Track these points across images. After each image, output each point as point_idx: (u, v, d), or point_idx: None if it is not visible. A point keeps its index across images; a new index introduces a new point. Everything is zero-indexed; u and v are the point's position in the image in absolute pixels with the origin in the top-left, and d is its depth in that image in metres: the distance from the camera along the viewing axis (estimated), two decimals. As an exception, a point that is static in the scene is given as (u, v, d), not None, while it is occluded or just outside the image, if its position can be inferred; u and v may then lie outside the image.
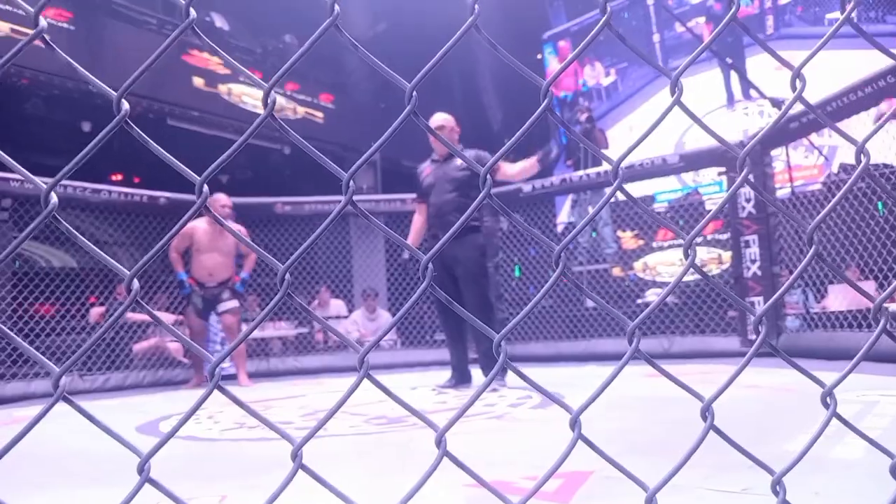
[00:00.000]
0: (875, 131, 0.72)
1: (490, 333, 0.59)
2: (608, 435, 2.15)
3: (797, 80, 0.64)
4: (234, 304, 5.26)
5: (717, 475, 1.38)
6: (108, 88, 0.55)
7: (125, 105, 0.52)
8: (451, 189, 3.89)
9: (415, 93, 0.54)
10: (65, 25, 7.53)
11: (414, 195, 4.30)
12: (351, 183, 0.52)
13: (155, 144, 0.51)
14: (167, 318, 6.27)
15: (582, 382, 4.00)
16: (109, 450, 0.55)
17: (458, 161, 3.91)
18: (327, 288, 7.68)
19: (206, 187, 0.53)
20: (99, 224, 6.43)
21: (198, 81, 8.66)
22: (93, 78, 0.57)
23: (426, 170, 4.11)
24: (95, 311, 6.12)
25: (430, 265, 0.53)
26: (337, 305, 7.80)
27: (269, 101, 0.51)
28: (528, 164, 3.88)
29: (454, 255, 3.83)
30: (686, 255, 0.59)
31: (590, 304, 6.27)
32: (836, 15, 7.78)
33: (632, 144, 0.58)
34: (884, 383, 2.75)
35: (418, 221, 4.15)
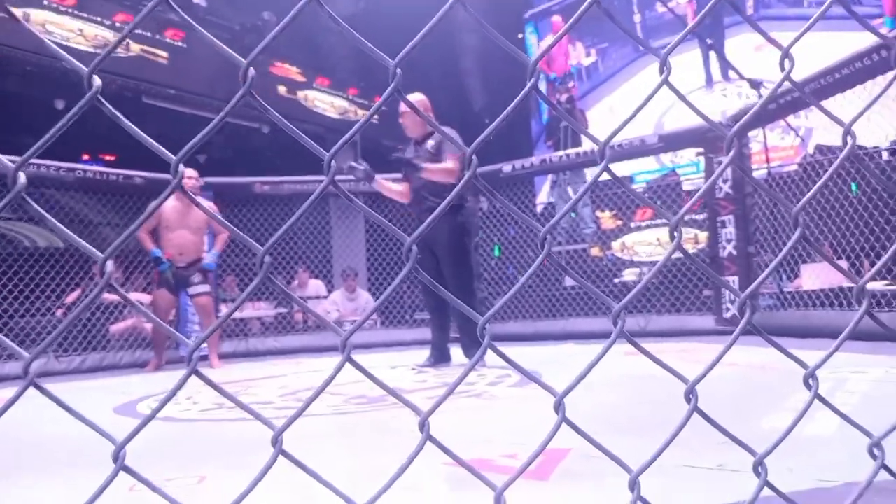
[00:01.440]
0: (860, 114, 0.72)
1: (474, 316, 0.58)
2: (589, 414, 2.17)
3: (786, 61, 0.63)
4: (205, 288, 5.18)
5: (692, 452, 1.41)
6: (79, 64, 0.52)
7: (97, 81, 0.50)
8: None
9: (398, 70, 0.53)
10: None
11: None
12: (332, 163, 0.51)
13: (128, 122, 0.49)
14: (144, 299, 6.18)
15: (560, 361, 4.04)
16: (90, 433, 0.54)
17: (430, 143, 3.95)
18: (305, 269, 7.64)
19: (181, 167, 0.51)
20: (93, 204, 6.33)
21: (134, 48, 8.42)
22: (64, 53, 0.55)
23: (406, 152, 4.18)
24: (72, 295, 6.02)
25: (414, 247, 0.52)
26: (316, 286, 7.76)
27: (247, 78, 0.49)
28: (443, 168, 3.91)
29: (435, 235, 3.86)
30: (672, 237, 0.59)
31: (568, 283, 6.32)
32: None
33: (618, 125, 0.57)
34: (854, 360, 2.82)
35: (405, 195, 4.19)
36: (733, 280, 5.07)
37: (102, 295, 5.45)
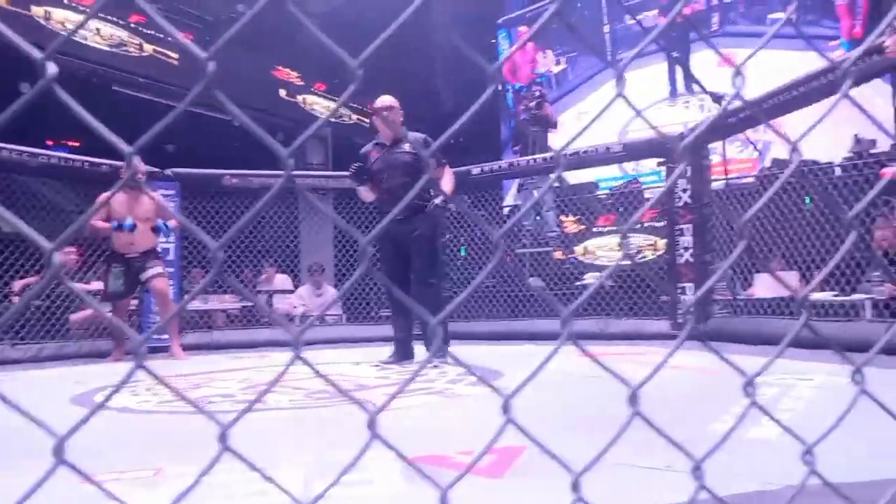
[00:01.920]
0: (806, 133, 0.75)
1: (427, 317, 0.59)
2: (543, 412, 2.21)
3: (737, 77, 0.66)
4: (159, 268, 5.06)
5: (643, 452, 1.44)
6: (34, 51, 0.51)
7: (51, 68, 0.49)
8: (402, 173, 3.93)
9: (360, 70, 0.53)
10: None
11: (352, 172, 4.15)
12: (290, 160, 0.51)
13: (82, 109, 0.48)
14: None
15: (520, 361, 4.08)
16: (49, 424, 0.53)
17: (406, 145, 3.94)
18: (272, 263, 7.56)
19: (136, 158, 0.50)
20: (64, 191, 6.17)
21: (147, 48, 8.33)
22: (19, 39, 0.54)
23: (373, 153, 4.09)
24: (20, 283, 5.83)
25: (369, 247, 0.53)
26: (282, 280, 7.69)
27: (207, 71, 0.49)
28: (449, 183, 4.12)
29: (406, 233, 3.88)
30: (621, 246, 0.61)
31: (532, 284, 6.39)
32: (779, 15, 8.06)
33: (573, 135, 0.59)
34: (802, 368, 2.91)
35: (373, 196, 4.13)
36: (689, 286, 5.19)
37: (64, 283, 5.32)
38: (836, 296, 4.31)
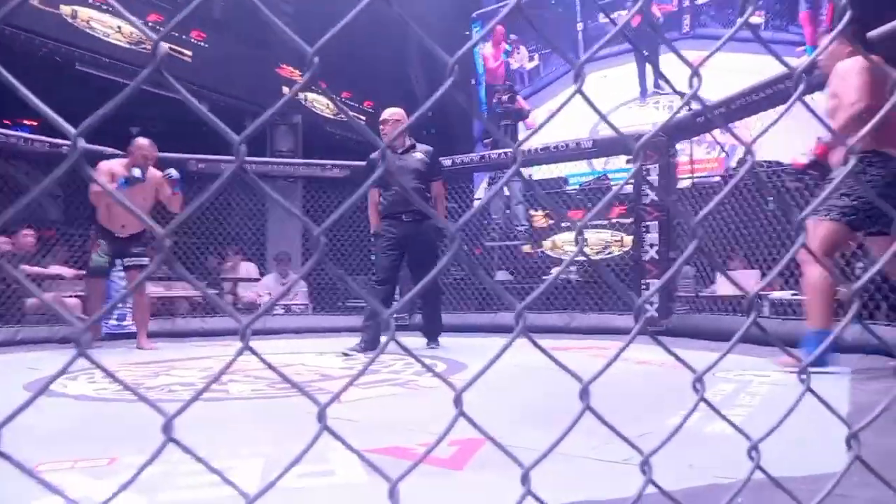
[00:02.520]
0: (761, 134, 0.77)
1: (380, 309, 0.59)
2: (504, 404, 2.23)
3: (694, 79, 0.67)
4: (142, 260, 4.86)
5: (604, 445, 1.46)
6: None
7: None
8: (413, 178, 4.35)
9: (316, 59, 0.52)
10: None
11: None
12: (242, 147, 0.50)
13: (25, 90, 0.47)
14: (65, 272, 5.89)
15: (485, 353, 4.11)
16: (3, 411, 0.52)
17: (418, 154, 4.43)
18: (237, 250, 7.45)
19: (81, 141, 0.49)
20: (29, 171, 6.00)
21: (134, 19, 8.27)
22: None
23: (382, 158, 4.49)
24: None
25: (323, 237, 0.52)
26: (247, 268, 7.59)
27: (156, 52, 0.48)
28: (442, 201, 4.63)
29: (412, 236, 4.32)
30: (577, 241, 0.61)
31: (498, 277, 6.43)
32: (752, 19, 8.20)
33: (529, 132, 0.60)
34: (758, 364, 2.99)
35: (375, 200, 4.51)
36: (654, 283, 5.28)
37: (22, 266, 5.05)
38: (794, 294, 4.43)
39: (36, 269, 5.72)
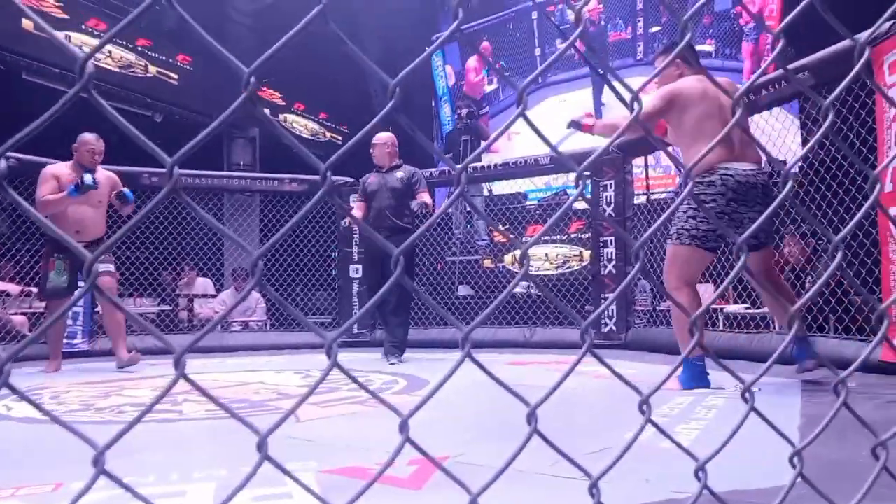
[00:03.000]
0: (698, 161, 0.78)
1: (322, 335, 0.58)
2: (463, 421, 2.21)
3: (635, 103, 0.68)
4: (109, 265, 4.49)
5: (562, 461, 1.46)
6: None
7: None
8: (391, 196, 4.61)
9: (252, 78, 0.51)
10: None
11: (357, 195, 4.98)
12: (176, 169, 0.49)
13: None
14: (11, 289, 5.67)
15: (447, 369, 4.10)
16: None
17: (399, 173, 4.69)
18: (193, 266, 7.29)
19: (2, 161, 0.47)
20: None
21: (59, 36, 8.08)
22: None
23: (370, 178, 4.81)
24: None
25: (260, 263, 0.51)
26: (203, 284, 7.43)
27: (85, 71, 0.46)
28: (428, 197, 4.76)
29: (388, 251, 4.31)
30: (521, 263, 0.61)
31: (460, 292, 6.43)
32: (701, 47, 8.42)
33: (474, 153, 0.60)
34: (715, 378, 3.03)
35: (361, 213, 4.73)
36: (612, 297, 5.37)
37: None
38: (747, 308, 4.54)
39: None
